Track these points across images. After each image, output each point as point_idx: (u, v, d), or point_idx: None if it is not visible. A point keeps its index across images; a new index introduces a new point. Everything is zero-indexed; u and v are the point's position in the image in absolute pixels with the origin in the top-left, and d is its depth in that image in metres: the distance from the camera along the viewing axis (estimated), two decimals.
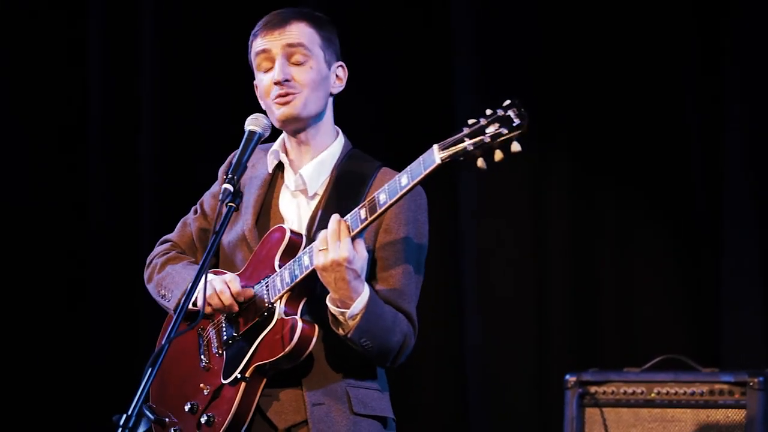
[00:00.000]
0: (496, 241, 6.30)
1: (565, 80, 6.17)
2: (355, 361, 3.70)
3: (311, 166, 3.79)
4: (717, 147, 5.92)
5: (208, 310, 3.68)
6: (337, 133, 3.87)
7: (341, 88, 3.85)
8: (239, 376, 3.65)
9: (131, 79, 6.74)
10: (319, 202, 3.77)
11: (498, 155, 3.27)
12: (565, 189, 6.22)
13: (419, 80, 6.37)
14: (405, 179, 3.42)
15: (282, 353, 3.58)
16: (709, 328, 5.94)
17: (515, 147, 3.26)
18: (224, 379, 3.69)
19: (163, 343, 3.31)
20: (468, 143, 3.30)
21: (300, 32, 3.76)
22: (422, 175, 3.39)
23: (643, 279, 6.10)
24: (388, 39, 6.39)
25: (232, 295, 3.66)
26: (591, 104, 6.15)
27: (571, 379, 5.51)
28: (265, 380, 3.66)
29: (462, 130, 3.32)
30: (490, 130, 3.27)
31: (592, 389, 5.48)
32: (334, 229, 3.50)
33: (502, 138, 3.26)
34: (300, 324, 3.58)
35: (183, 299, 3.46)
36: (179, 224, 4.06)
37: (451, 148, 3.33)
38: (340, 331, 3.58)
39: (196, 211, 4.02)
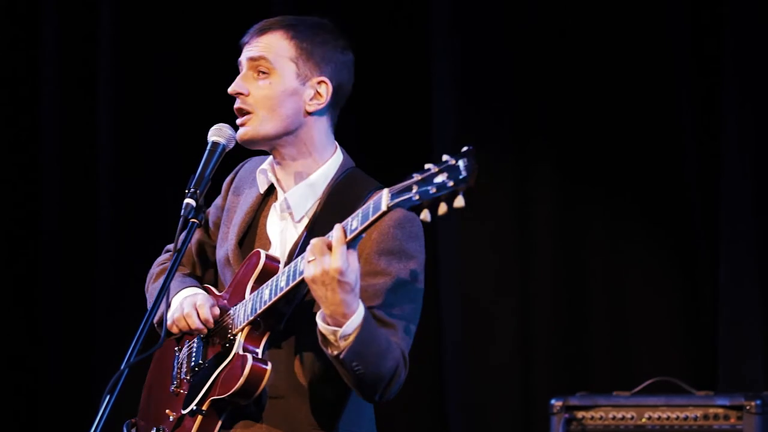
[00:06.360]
0: (478, 255, 6.23)
1: (551, 82, 6.13)
2: (326, 402, 3.55)
3: (299, 189, 3.63)
4: (713, 153, 5.87)
5: (175, 330, 3.62)
6: (334, 151, 3.68)
7: (320, 106, 3.62)
8: (195, 408, 3.56)
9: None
10: (306, 226, 3.62)
11: (442, 209, 3.12)
12: (551, 200, 6.15)
13: (396, 85, 6.32)
14: (355, 223, 3.30)
15: (232, 390, 3.49)
16: (704, 348, 5.91)
17: (458, 202, 3.10)
18: (183, 408, 3.60)
19: (121, 368, 3.25)
20: (414, 193, 3.14)
21: (268, 44, 3.59)
22: (370, 220, 3.26)
23: (634, 296, 6.04)
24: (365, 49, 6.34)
25: (199, 319, 3.58)
26: (578, 108, 6.10)
27: (557, 403, 5.46)
28: (223, 416, 3.56)
29: (412, 177, 3.16)
30: (438, 179, 3.12)
31: (580, 414, 5.45)
32: (325, 237, 3.32)
33: (447, 191, 3.11)
34: (250, 361, 3.47)
35: (146, 317, 3.37)
36: None
37: (398, 197, 3.18)
38: (331, 352, 3.40)
39: None
